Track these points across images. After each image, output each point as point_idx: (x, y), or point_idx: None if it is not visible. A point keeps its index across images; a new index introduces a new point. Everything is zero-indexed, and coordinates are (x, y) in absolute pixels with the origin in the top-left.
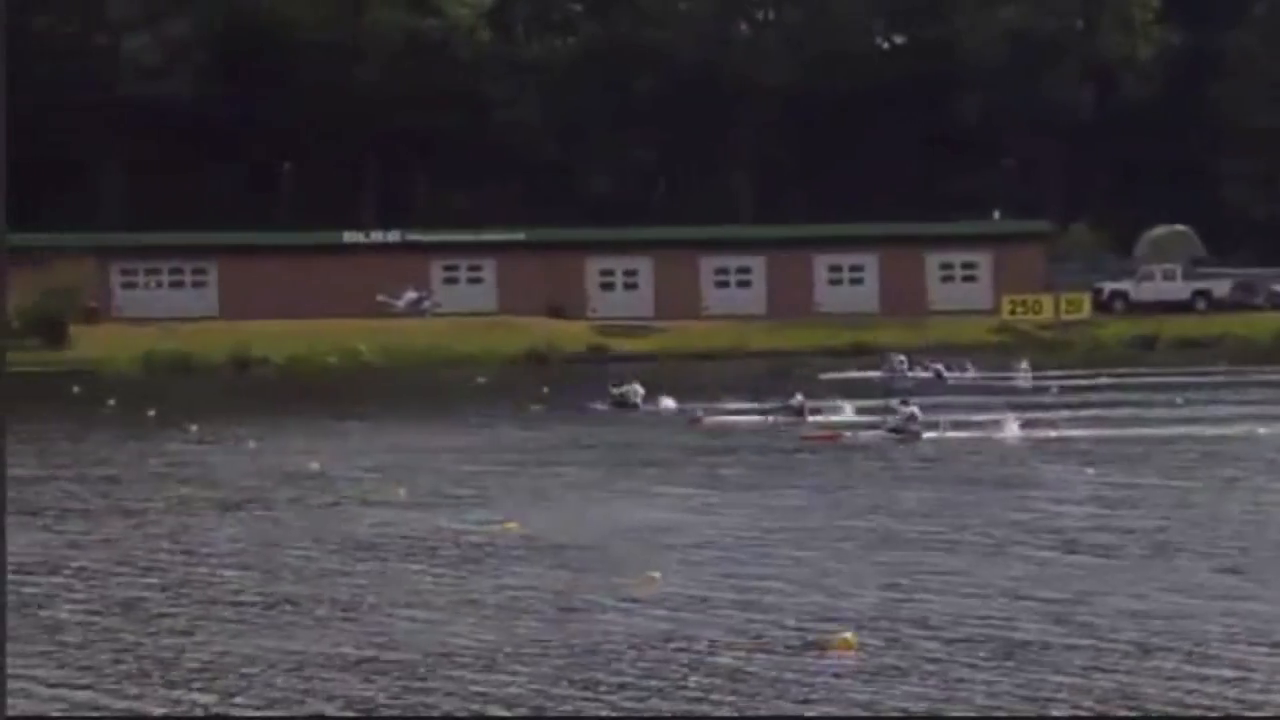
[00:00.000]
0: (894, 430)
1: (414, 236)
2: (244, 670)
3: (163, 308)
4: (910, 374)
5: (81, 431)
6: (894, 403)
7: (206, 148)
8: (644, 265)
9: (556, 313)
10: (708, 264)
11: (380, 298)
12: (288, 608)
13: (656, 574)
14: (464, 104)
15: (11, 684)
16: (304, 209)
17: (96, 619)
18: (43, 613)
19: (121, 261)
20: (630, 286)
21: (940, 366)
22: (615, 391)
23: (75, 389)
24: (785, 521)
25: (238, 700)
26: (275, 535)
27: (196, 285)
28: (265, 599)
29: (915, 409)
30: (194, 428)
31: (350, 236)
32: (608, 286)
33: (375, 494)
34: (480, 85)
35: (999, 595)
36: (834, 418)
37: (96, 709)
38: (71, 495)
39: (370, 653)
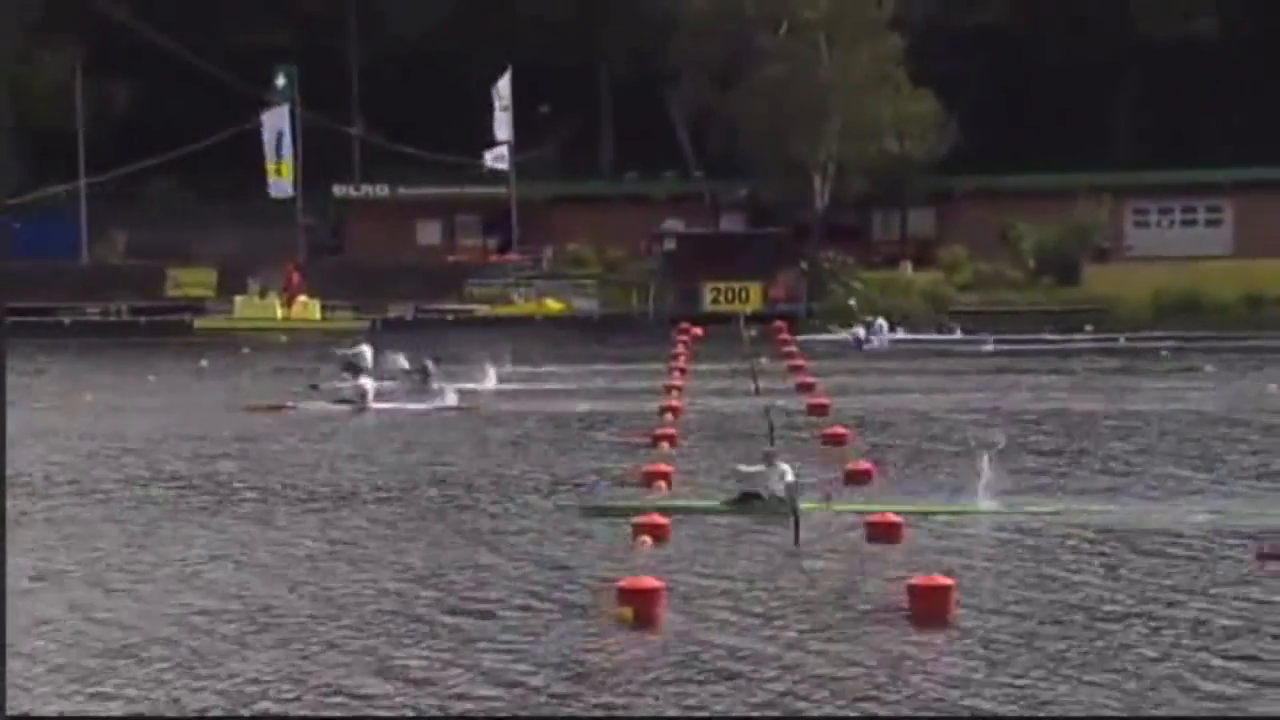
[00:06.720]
0: (341, 402)
1: None
2: None
3: (1174, 246)
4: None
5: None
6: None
7: (1223, 84)
8: None
9: None
10: None
11: None
12: None
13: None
14: None
15: None
16: None
17: None
18: None
19: (1135, 201)
20: None
21: (860, 331)
22: (339, 352)
23: (1087, 327)
24: None
25: None
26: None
27: (1210, 224)
28: None
29: (367, 383)
30: (1208, 367)
31: None
32: None
33: None
34: None
35: None
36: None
37: None
38: None
39: None
